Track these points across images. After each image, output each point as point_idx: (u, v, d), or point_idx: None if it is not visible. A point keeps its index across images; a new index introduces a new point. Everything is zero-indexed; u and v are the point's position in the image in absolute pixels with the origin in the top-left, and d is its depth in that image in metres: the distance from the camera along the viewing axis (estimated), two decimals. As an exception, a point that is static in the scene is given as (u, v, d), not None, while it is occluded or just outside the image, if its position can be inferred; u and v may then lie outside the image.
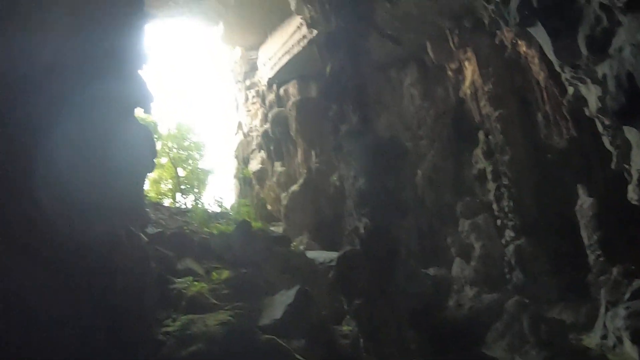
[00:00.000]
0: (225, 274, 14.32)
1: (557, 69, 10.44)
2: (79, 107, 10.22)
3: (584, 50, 8.65)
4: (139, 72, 12.28)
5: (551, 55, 10.06)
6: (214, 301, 12.90)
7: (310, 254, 17.74)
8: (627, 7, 6.93)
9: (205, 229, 17.90)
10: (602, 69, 8.65)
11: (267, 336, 10.80)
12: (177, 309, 12.40)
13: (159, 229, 16.26)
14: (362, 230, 12.55)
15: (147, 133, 12.48)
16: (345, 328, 13.21)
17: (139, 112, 12.52)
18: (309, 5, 18.63)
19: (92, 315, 9.65)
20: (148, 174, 12.88)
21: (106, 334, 9.77)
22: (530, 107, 18.59)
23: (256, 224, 18.48)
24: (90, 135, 10.35)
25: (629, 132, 8.78)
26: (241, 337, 10.56)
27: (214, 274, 14.40)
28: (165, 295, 12.53)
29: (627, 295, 12.68)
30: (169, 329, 11.25)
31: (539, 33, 9.89)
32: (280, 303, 12.70)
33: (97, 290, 9.91)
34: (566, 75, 10.23)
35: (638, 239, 14.14)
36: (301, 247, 19.81)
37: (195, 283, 13.41)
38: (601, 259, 14.66)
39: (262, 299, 13.31)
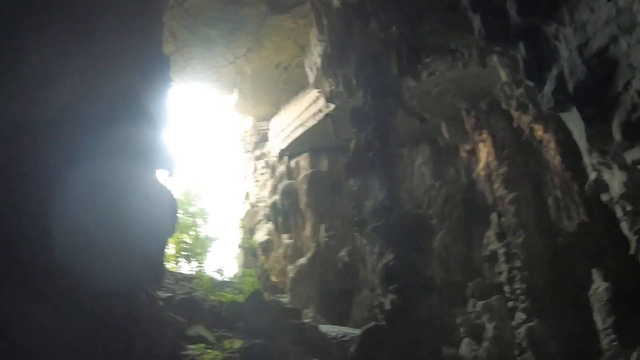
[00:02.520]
0: (238, 343, 14.17)
1: (585, 153, 10.53)
2: (110, 166, 10.35)
3: (617, 137, 8.76)
4: (163, 134, 12.39)
5: (582, 140, 10.15)
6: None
7: (323, 328, 17.60)
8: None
9: (212, 297, 17.81)
10: (631, 156, 8.79)
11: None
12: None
13: (169, 293, 16.18)
14: (388, 307, 12.52)
15: (170, 196, 12.48)
16: (364, 405, 13.09)
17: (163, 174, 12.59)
18: (330, 80, 18.86)
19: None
20: (169, 237, 12.85)
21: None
22: (542, 191, 18.75)
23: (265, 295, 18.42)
24: (117, 194, 10.44)
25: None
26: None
27: (226, 342, 14.24)
28: (176, 360, 12.41)
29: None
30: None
31: (572, 118, 10.00)
32: (297, 376, 12.61)
33: (116, 354, 9.84)
34: (592, 160, 10.31)
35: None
36: (306, 320, 19.68)
37: (209, 351, 13.28)
38: (615, 343, 14.69)
39: (277, 371, 13.22)
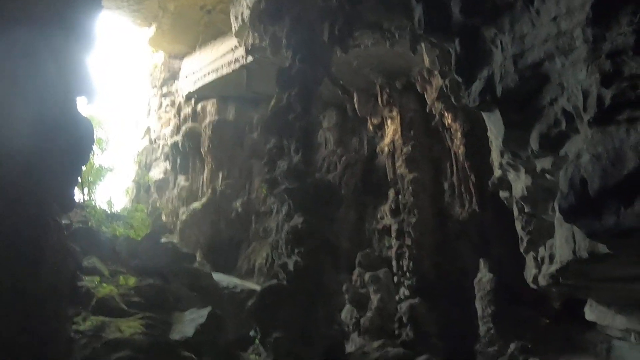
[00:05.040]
0: (132, 280, 14.29)
1: (496, 152, 11.10)
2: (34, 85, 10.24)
3: (534, 145, 9.24)
4: (86, 59, 12.16)
5: (497, 140, 10.65)
6: (124, 307, 12.91)
7: (215, 276, 17.85)
8: (594, 122, 7.51)
9: (105, 229, 17.74)
10: (541, 164, 9.38)
11: (185, 353, 10.89)
12: (85, 308, 12.34)
13: (66, 221, 16.04)
14: (291, 268, 12.82)
15: (89, 125, 12.28)
16: (252, 357, 13.44)
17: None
18: (255, 33, 18.85)
19: (7, 306, 9.52)
20: (82, 166, 12.68)
21: (19, 327, 9.64)
22: (441, 176, 19.48)
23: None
24: (35, 117, 10.32)
25: (562, 228, 9.41)
26: (164, 349, 10.60)
27: (121, 278, 14.33)
28: (73, 292, 12.40)
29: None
30: (80, 327, 11.22)
31: (493, 118, 10.43)
32: (190, 321, 12.82)
33: (22, 278, 9.82)
34: (502, 160, 10.86)
35: (529, 319, 15.24)
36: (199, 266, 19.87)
37: (104, 285, 13.36)
38: (492, 331, 15.60)
39: (170, 313, 13.39)
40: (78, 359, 10.18)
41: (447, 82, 14.28)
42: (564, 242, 9.67)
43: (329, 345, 12.85)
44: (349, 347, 15.69)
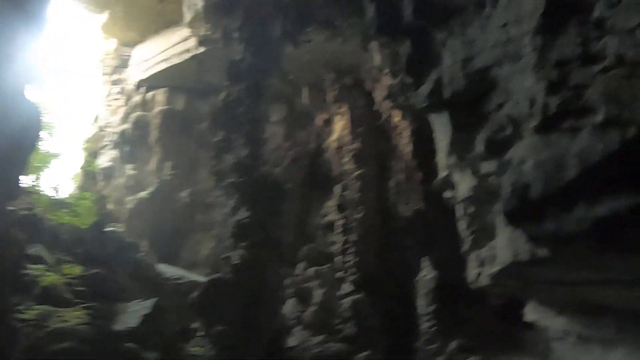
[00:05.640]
0: (78, 269, 14.21)
1: (442, 153, 11.25)
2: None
3: (479, 148, 9.40)
4: (37, 44, 11.99)
5: (443, 141, 10.81)
6: (69, 296, 12.85)
7: (159, 267, 17.82)
8: (538, 129, 7.69)
9: (50, 216, 17.57)
10: (486, 167, 9.57)
11: (130, 344, 10.88)
12: (29, 296, 12.25)
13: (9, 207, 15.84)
14: (236, 261, 12.88)
15: (37, 112, 12.11)
16: (194, 349, 13.45)
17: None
18: (207, 25, 18.84)
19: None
20: (29, 154, 12.53)
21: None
22: (387, 173, 19.70)
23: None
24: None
25: (504, 230, 9.58)
26: (108, 340, 10.59)
27: (65, 267, 14.23)
28: (17, 280, 12.28)
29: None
30: (24, 316, 11.14)
31: (440, 120, 10.60)
32: (134, 312, 12.81)
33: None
34: (448, 161, 11.03)
35: (470, 318, 15.49)
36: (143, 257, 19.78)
37: (49, 273, 13.26)
38: (433, 329, 15.86)
39: (115, 303, 13.37)
40: (22, 349, 10.11)
41: (396, 81, 14.46)
42: (506, 244, 9.84)
43: (271, 339, 12.99)
44: (292, 342, 15.81)
